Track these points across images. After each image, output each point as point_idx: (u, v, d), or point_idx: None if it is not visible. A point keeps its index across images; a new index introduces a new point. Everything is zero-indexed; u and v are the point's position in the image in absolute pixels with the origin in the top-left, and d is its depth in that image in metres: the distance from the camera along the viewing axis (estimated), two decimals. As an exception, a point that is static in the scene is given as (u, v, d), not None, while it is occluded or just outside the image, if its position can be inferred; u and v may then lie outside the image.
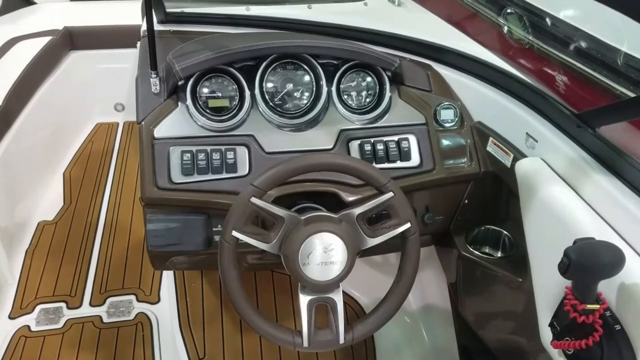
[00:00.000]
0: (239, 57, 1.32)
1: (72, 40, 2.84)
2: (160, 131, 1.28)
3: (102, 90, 3.03)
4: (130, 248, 2.30)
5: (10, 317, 1.97)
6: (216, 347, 1.88)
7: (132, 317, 1.99)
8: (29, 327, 1.94)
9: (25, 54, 2.50)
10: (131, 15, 3.08)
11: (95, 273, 2.17)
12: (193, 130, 1.30)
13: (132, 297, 2.07)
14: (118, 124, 3.12)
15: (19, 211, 2.30)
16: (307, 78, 1.39)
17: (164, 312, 2.00)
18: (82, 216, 2.44)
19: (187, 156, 1.26)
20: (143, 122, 1.29)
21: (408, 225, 1.12)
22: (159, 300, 2.06)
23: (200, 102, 1.33)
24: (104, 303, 2.04)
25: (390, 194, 1.10)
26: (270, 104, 1.37)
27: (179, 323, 1.88)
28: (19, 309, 2.00)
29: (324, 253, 1.04)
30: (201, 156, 1.26)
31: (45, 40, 2.63)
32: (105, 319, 1.98)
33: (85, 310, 2.02)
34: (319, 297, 1.10)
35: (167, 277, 2.12)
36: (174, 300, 1.98)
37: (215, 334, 1.92)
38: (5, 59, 2.46)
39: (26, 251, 2.25)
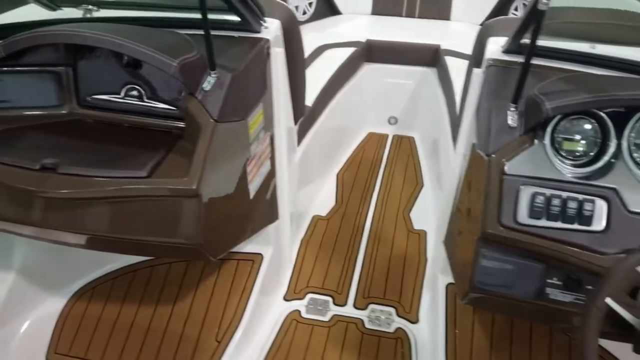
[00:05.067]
0: (618, 104, 1.20)
1: (369, 52, 3.02)
2: (512, 167, 1.24)
3: (379, 102, 3.18)
4: (392, 259, 2.34)
5: (285, 299, 2.15)
6: None
7: (391, 330, 2.01)
8: (299, 312, 2.09)
9: (332, 62, 2.74)
10: (424, 34, 3.19)
11: (359, 276, 2.25)
12: (549, 172, 1.22)
13: (392, 310, 2.10)
14: (388, 135, 3.24)
15: (301, 202, 2.51)
16: None
17: (424, 335, 1.98)
18: (351, 218, 2.58)
19: (540, 199, 1.19)
20: (494, 155, 1.26)
21: None
22: (417, 321, 2.05)
23: (556, 143, 1.26)
24: (366, 308, 2.11)
25: None
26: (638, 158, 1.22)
27: (445, 353, 1.83)
28: (292, 293, 2.18)
29: None
30: (555, 202, 1.18)
31: (349, 50, 2.85)
32: (367, 325, 2.04)
33: (349, 310, 2.11)
34: None
35: (429, 298, 2.10)
36: (437, 325, 1.93)
37: None
38: (316, 64, 2.72)
39: (301, 240, 2.45)
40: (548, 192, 1.19)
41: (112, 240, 1.49)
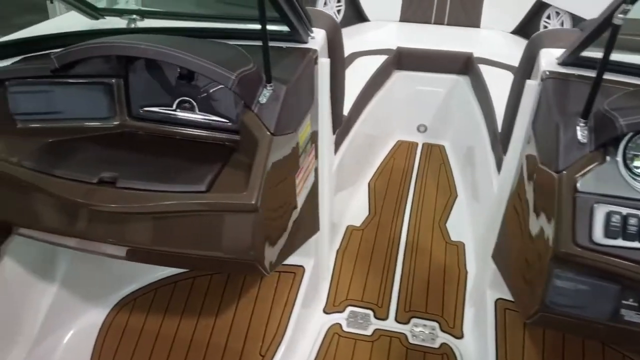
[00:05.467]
0: None
1: (399, 60, 3.00)
2: (584, 185, 1.20)
3: (409, 110, 3.15)
4: (431, 271, 2.31)
5: (325, 312, 2.12)
6: None
7: (436, 345, 1.98)
8: (340, 325, 2.06)
9: (364, 70, 2.72)
10: (454, 41, 3.17)
11: (399, 288, 2.22)
12: (623, 190, 1.19)
13: (435, 325, 2.06)
14: (417, 144, 3.21)
15: (336, 212, 2.49)
16: None
17: (470, 352, 1.94)
18: (386, 228, 2.54)
19: (616, 218, 1.16)
20: (564, 171, 1.23)
21: None
22: (462, 336, 2.01)
23: (627, 160, 1.22)
24: (408, 322, 2.07)
25: None
26: None
27: None
28: (332, 306, 2.14)
29: None
30: (632, 221, 1.15)
31: (380, 58, 2.83)
32: (410, 339, 2.00)
33: (391, 324, 2.07)
34: None
35: (473, 312, 2.06)
36: (486, 341, 1.90)
37: None
38: (349, 72, 2.69)
39: (337, 251, 2.42)
40: (624, 210, 1.16)
41: (162, 254, 1.47)
